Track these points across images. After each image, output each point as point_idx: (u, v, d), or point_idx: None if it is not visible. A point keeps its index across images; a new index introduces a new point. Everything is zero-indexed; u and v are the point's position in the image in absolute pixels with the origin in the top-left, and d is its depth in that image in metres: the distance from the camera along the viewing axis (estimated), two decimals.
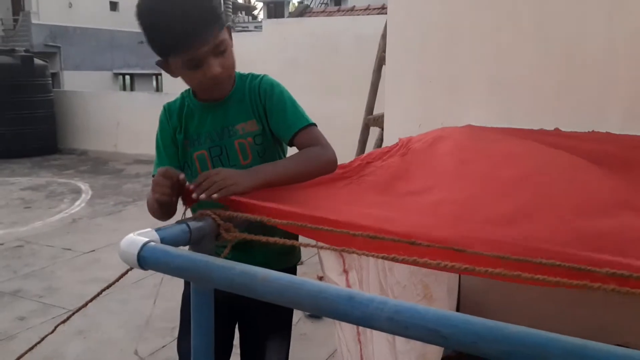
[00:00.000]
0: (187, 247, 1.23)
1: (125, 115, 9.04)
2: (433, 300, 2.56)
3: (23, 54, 9.54)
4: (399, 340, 1.98)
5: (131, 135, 8.85)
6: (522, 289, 2.97)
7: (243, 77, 1.68)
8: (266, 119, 1.58)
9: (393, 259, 1.13)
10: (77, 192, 6.60)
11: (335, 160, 1.55)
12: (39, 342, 1.48)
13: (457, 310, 3.16)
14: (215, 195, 1.25)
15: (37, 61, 9.66)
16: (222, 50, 1.46)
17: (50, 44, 22.78)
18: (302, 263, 1.90)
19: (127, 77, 25.53)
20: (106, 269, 3.86)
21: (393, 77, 3.69)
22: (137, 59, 23.80)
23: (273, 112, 1.58)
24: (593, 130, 2.79)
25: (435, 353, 2.59)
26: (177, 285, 1.56)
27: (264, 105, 1.58)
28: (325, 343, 3.01)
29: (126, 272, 1.25)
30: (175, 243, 1.14)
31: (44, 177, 7.78)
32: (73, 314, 1.43)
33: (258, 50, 6.83)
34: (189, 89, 1.68)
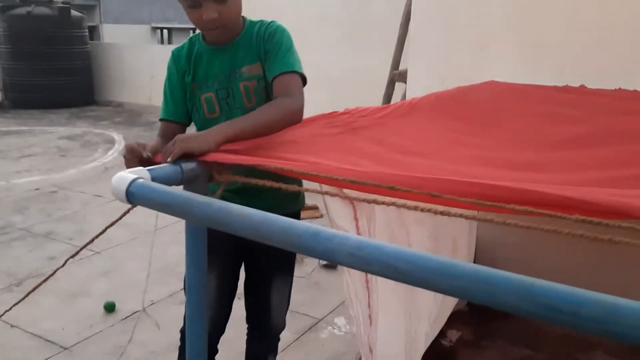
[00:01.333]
0: (181, 188, 1.29)
1: (160, 69, 9.09)
2: (458, 253, 2.64)
3: (60, 5, 9.70)
4: (405, 289, 2.05)
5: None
6: (541, 246, 2.99)
7: (253, 23, 1.70)
8: (258, 60, 1.61)
9: (374, 201, 1.17)
10: (111, 142, 6.79)
11: (301, 111, 1.54)
12: (51, 275, 1.58)
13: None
14: (176, 151, 1.23)
15: (74, 13, 9.81)
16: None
17: None
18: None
19: (165, 31, 25.64)
20: (133, 215, 4.00)
21: (418, 32, 3.63)
22: (175, 13, 23.74)
23: (268, 53, 1.60)
24: (620, 88, 2.74)
25: (447, 305, 2.65)
26: None
27: (265, 48, 1.60)
28: (338, 291, 3.09)
29: (127, 212, 1.33)
30: (167, 182, 1.19)
31: (80, 127, 8.01)
32: (80, 249, 1.52)
33: (286, 3, 6.75)
34: (199, 34, 1.71)
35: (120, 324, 2.67)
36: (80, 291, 3.03)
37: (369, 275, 1.79)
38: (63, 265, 1.52)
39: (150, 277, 3.22)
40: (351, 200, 1.63)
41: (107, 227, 1.42)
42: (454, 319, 3.20)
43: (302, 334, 2.59)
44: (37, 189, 4.74)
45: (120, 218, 1.43)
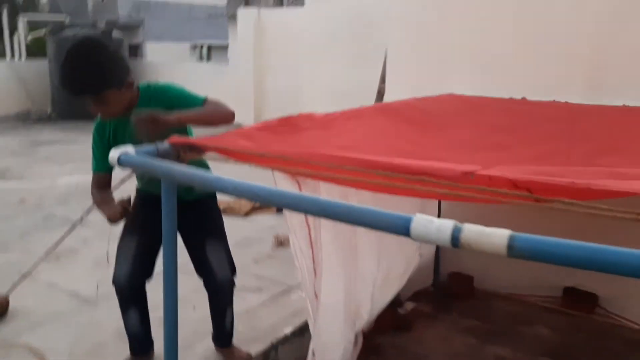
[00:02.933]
0: None
1: (190, 84, 9.92)
2: None
3: (103, 28, 10.69)
4: (345, 253, 2.59)
5: None
6: (492, 224, 3.46)
7: (145, 88, 2.31)
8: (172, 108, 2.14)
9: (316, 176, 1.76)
10: None
11: (233, 114, 2.21)
12: (64, 237, 2.23)
13: (437, 250, 3.71)
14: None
15: (115, 34, 10.77)
16: (105, 102, 2.11)
17: (134, 16, 24.13)
18: None
19: (205, 48, 26.63)
20: None
21: (394, 52, 4.22)
22: (214, 30, 24.67)
23: (175, 103, 2.18)
24: (554, 100, 3.26)
25: (397, 275, 3.11)
26: None
27: (167, 103, 2.17)
28: None
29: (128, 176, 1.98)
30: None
31: None
32: (82, 218, 2.17)
33: (302, 24, 7.43)
34: None
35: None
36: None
37: (313, 235, 2.35)
38: (70, 230, 2.18)
39: None
40: (297, 179, 2.22)
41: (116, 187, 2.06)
42: (419, 296, 3.73)
43: (276, 296, 3.17)
44: (77, 187, 5.50)
45: (120, 185, 2.07)
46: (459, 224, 1.11)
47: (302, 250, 2.34)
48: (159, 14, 24.81)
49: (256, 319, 2.89)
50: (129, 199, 2.18)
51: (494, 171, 1.52)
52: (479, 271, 3.85)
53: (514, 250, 1.05)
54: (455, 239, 1.10)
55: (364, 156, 1.68)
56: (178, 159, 1.89)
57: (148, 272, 2.41)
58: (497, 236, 1.06)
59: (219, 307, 2.54)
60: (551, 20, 3.44)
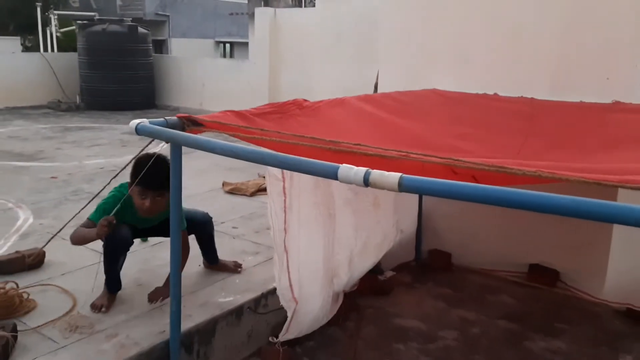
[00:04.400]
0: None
1: (210, 78, 10.56)
2: (380, 206, 3.60)
3: (130, 23, 11.32)
4: (325, 221, 3.04)
5: (213, 94, 10.34)
6: (473, 216, 3.89)
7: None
8: None
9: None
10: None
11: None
12: (87, 204, 2.73)
13: (419, 229, 4.16)
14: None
15: (140, 30, 11.39)
16: (162, 198, 2.75)
17: (161, 12, 24.73)
18: None
19: (227, 45, 27.17)
20: None
21: (386, 51, 4.67)
22: (237, 28, 25.09)
23: None
24: (522, 96, 3.68)
25: (375, 245, 3.53)
26: None
27: None
28: None
29: (148, 144, 2.47)
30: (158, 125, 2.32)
31: None
32: (99, 192, 2.66)
33: (313, 23, 7.92)
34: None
35: (150, 248, 3.81)
36: None
37: (287, 202, 2.79)
38: (84, 207, 2.69)
39: None
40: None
41: (128, 163, 2.57)
42: (401, 268, 4.18)
43: (269, 259, 3.59)
44: (101, 168, 6.06)
45: (147, 146, 2.54)
46: (369, 170, 1.58)
47: (277, 214, 2.77)
48: (184, 10, 25.31)
49: (252, 275, 3.39)
50: (113, 217, 2.72)
51: (428, 158, 1.91)
52: (457, 249, 4.29)
53: (402, 186, 1.51)
54: (366, 179, 1.57)
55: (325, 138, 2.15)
56: (183, 129, 2.40)
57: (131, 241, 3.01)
58: (392, 177, 1.52)
59: (206, 236, 3.35)
60: (521, 24, 3.86)
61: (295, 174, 2.77)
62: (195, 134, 2.36)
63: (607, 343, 3.27)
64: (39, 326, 2.70)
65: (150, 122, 2.29)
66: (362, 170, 1.58)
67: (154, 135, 2.23)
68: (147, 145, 2.59)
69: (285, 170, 2.74)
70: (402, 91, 3.87)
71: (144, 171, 2.71)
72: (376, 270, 3.86)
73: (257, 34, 9.43)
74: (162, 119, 2.33)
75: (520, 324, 3.45)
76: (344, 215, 3.20)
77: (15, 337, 2.55)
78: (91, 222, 2.88)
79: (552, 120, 3.43)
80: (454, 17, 4.15)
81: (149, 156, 2.77)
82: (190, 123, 2.38)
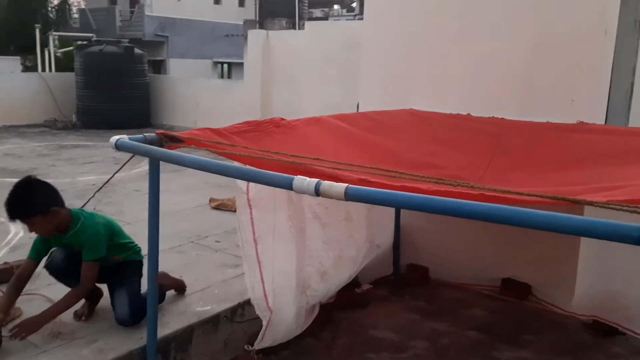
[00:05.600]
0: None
1: (204, 97, 10.79)
2: (352, 221, 3.74)
3: (126, 44, 11.59)
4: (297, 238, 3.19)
5: (207, 113, 10.53)
6: (450, 232, 4.04)
7: (75, 216, 2.93)
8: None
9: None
10: None
11: (83, 292, 2.92)
12: (87, 201, 2.88)
13: (397, 244, 4.29)
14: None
15: (137, 50, 11.64)
16: (31, 225, 2.78)
17: (160, 33, 25.08)
18: None
19: (225, 66, 27.48)
20: (160, 204, 5.37)
21: (365, 73, 4.87)
22: (235, 49, 25.42)
23: (83, 246, 2.89)
24: (493, 116, 3.86)
25: (349, 259, 3.67)
26: None
27: (80, 239, 2.89)
28: None
29: (129, 160, 2.63)
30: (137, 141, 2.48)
31: None
32: (101, 187, 2.82)
33: (302, 45, 8.17)
34: None
35: None
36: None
37: (254, 215, 2.92)
38: (94, 195, 2.84)
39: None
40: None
41: (115, 172, 2.73)
42: (378, 282, 4.31)
43: None
44: (93, 184, 6.22)
45: (123, 166, 2.71)
46: (320, 181, 1.73)
47: (244, 225, 2.90)
48: (183, 32, 25.66)
49: (230, 287, 3.53)
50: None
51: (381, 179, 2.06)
52: (434, 263, 4.42)
53: (348, 195, 1.66)
54: (317, 189, 1.72)
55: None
56: (161, 145, 2.55)
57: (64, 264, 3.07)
58: (339, 187, 1.68)
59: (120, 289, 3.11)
60: (492, 49, 4.06)
61: (269, 188, 2.92)
62: (173, 149, 2.52)
63: (571, 353, 3.40)
64: None
65: (129, 138, 2.45)
66: (313, 181, 1.74)
67: (132, 151, 2.39)
68: (128, 161, 2.75)
69: (250, 184, 2.90)
70: (378, 111, 4.05)
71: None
72: (353, 283, 4.00)
73: (250, 55, 9.69)
74: (141, 135, 2.49)
75: (489, 335, 3.58)
76: (313, 229, 3.35)
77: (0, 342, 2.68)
78: (27, 261, 2.96)
79: (520, 140, 3.61)
80: (430, 42, 4.36)
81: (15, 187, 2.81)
82: (168, 139, 2.54)
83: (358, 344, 3.48)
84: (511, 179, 3.10)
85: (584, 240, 3.69)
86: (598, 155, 3.23)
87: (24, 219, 2.78)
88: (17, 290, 2.85)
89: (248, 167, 1.91)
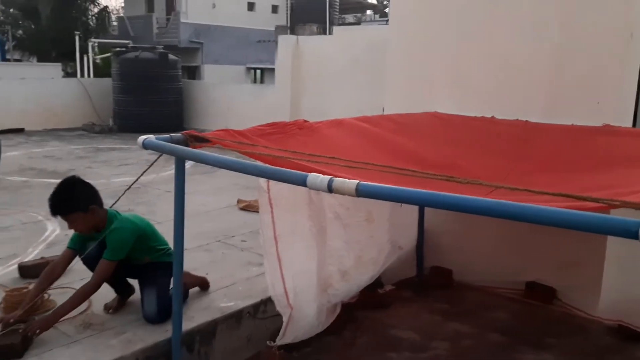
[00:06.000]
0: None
1: (235, 102, 11.00)
2: (373, 222, 3.80)
3: (161, 50, 11.90)
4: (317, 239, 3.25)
5: (238, 117, 10.69)
6: (474, 235, 4.06)
7: (109, 218, 3.10)
8: None
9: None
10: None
11: (96, 286, 2.97)
12: (119, 198, 3.01)
13: (421, 246, 4.31)
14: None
15: (171, 56, 11.95)
16: (71, 222, 2.91)
17: (194, 40, 25.61)
18: None
19: (258, 71, 27.82)
20: (190, 204, 5.53)
21: (391, 77, 4.91)
22: (267, 55, 25.71)
23: (107, 244, 2.99)
24: (517, 119, 3.86)
25: (370, 260, 3.72)
26: None
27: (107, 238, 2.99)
28: None
29: (156, 159, 2.75)
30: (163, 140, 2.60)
31: None
32: (130, 185, 2.95)
33: (330, 50, 8.26)
34: None
35: None
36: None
37: (274, 212, 3.01)
38: (122, 194, 2.97)
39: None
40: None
41: (143, 172, 2.85)
42: (402, 283, 4.34)
43: None
44: (126, 186, 6.41)
45: (151, 165, 2.83)
46: (333, 178, 1.80)
47: (265, 223, 2.99)
48: (217, 38, 26.10)
49: (254, 284, 3.62)
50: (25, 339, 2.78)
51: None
52: (457, 266, 4.43)
53: (359, 192, 1.72)
54: (330, 186, 1.79)
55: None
56: (186, 144, 2.66)
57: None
58: (351, 183, 1.74)
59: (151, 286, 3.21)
60: (517, 51, 4.06)
61: (290, 188, 2.98)
62: (198, 149, 2.63)
63: (596, 357, 3.37)
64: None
65: (156, 138, 2.57)
66: (326, 178, 1.80)
67: (158, 149, 2.50)
68: (155, 160, 2.86)
69: (271, 184, 2.97)
70: (401, 113, 4.09)
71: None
72: (376, 284, 4.04)
73: (280, 60, 9.84)
74: (167, 135, 2.61)
75: (512, 337, 3.57)
76: (334, 229, 3.41)
77: None
78: (66, 251, 3.12)
79: (544, 142, 3.60)
80: (454, 45, 4.37)
81: (59, 184, 2.99)
82: (193, 139, 2.65)
83: (379, 342, 3.52)
84: (535, 182, 3.09)
85: (610, 244, 3.65)
86: (624, 157, 3.19)
87: (64, 215, 2.93)
88: (49, 278, 3.00)
89: (265, 165, 2.00)
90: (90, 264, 3.19)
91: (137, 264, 3.17)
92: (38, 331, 2.79)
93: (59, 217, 2.99)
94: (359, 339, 3.56)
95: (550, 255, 3.97)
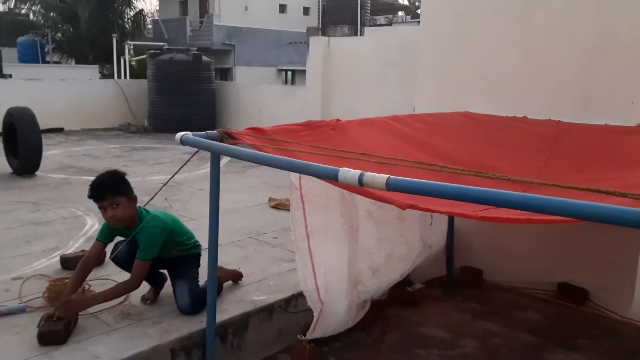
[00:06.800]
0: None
1: (266, 103, 11.13)
2: (404, 221, 3.82)
3: (195, 52, 12.13)
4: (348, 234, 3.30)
5: (270, 118, 10.82)
6: (505, 235, 4.06)
7: (139, 215, 3.17)
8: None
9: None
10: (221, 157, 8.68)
11: (135, 285, 3.08)
12: (155, 194, 3.12)
13: (451, 246, 4.33)
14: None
15: (204, 58, 12.16)
16: (114, 206, 2.97)
17: (227, 42, 25.97)
18: None
19: (289, 73, 28.04)
20: (222, 201, 5.65)
21: (422, 76, 4.93)
22: (298, 56, 25.87)
23: (139, 242, 3.07)
24: (549, 119, 3.85)
25: (401, 257, 3.76)
26: None
27: (139, 236, 3.07)
28: None
29: (193, 155, 2.85)
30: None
31: None
32: (165, 184, 3.05)
33: (362, 51, 8.30)
34: None
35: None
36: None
37: (305, 208, 3.06)
38: (158, 192, 3.08)
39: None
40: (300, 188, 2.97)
41: (182, 166, 2.95)
42: (431, 282, 4.35)
43: None
44: (161, 183, 6.59)
45: (189, 160, 2.92)
46: (363, 173, 1.85)
47: (297, 219, 3.04)
48: (249, 40, 26.43)
49: (285, 279, 3.70)
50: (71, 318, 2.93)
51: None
52: (488, 266, 4.42)
53: (388, 185, 1.77)
54: (360, 180, 1.84)
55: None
56: (221, 141, 2.74)
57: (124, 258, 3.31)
58: (381, 177, 1.79)
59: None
60: (549, 49, 4.03)
61: (321, 185, 3.05)
62: (232, 145, 2.71)
63: (626, 359, 3.32)
64: (96, 312, 3.11)
65: (192, 134, 2.67)
66: (357, 172, 1.86)
67: (195, 145, 2.60)
68: (193, 155, 2.96)
69: (302, 180, 3.02)
70: (432, 113, 4.11)
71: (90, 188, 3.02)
72: (406, 282, 4.07)
73: (311, 61, 9.93)
74: (203, 132, 2.71)
75: (542, 337, 3.56)
76: (366, 227, 3.45)
77: (76, 319, 2.96)
78: (96, 244, 3.22)
79: (577, 143, 3.58)
80: (486, 45, 4.37)
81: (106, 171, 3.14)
82: (228, 136, 2.75)
83: (408, 340, 3.55)
84: (567, 182, 3.08)
85: None
86: None
87: (114, 195, 2.99)
88: (84, 272, 3.11)
89: (295, 159, 2.06)
90: (119, 263, 3.33)
91: (166, 258, 3.27)
92: (72, 310, 2.91)
93: (91, 214, 3.08)
94: (387, 335, 3.60)
95: (583, 256, 3.93)
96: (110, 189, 3.00)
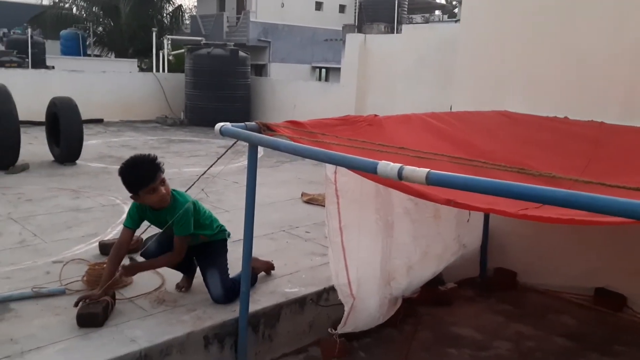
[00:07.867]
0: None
1: (301, 99, 11.18)
2: (440, 219, 3.79)
3: (232, 47, 12.25)
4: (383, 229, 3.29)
5: (304, 114, 10.85)
6: (541, 237, 3.98)
7: (172, 197, 3.16)
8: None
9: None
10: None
11: (177, 259, 3.18)
12: (191, 185, 3.17)
13: (485, 247, 4.27)
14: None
15: (241, 53, 12.26)
16: (158, 184, 3.00)
17: (263, 39, 26.17)
18: None
19: (324, 70, 28.10)
20: (256, 195, 5.71)
21: (460, 74, 4.88)
22: (333, 54, 25.91)
23: (175, 222, 3.08)
24: (592, 120, 3.76)
25: (435, 256, 3.73)
26: None
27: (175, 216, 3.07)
28: None
29: (231, 146, 2.89)
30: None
31: None
32: (200, 176, 3.09)
33: (398, 49, 8.25)
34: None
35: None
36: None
37: (340, 202, 3.05)
38: (194, 183, 3.12)
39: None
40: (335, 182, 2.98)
41: (220, 157, 2.98)
42: (465, 282, 4.30)
43: None
44: (196, 175, 6.70)
45: (227, 150, 2.96)
46: (403, 166, 1.84)
47: (331, 213, 3.02)
48: (285, 37, 26.58)
49: (317, 273, 3.71)
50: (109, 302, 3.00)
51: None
52: (522, 268, 4.34)
53: (429, 180, 1.76)
54: (400, 174, 1.84)
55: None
56: (260, 132, 2.77)
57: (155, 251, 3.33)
58: (421, 171, 1.78)
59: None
60: (593, 49, 3.92)
61: (356, 180, 3.04)
62: (270, 136, 2.74)
63: None
64: (132, 297, 3.18)
65: (232, 125, 2.71)
66: (397, 165, 1.85)
67: (234, 136, 2.64)
68: (231, 146, 2.99)
69: (337, 174, 3.01)
70: (470, 111, 4.06)
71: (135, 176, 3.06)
72: (438, 281, 4.03)
73: (347, 58, 9.91)
74: (242, 124, 2.74)
75: (578, 343, 3.48)
76: (402, 223, 3.43)
77: (113, 303, 3.03)
78: (125, 230, 3.21)
79: (620, 145, 3.48)
80: (527, 42, 4.29)
81: (127, 164, 3.11)
82: (266, 128, 2.77)
83: (439, 338, 3.52)
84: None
85: None
86: None
87: (157, 172, 3.04)
88: (118, 259, 3.12)
89: (333, 152, 2.07)
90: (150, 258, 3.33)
91: (194, 244, 3.26)
92: (128, 273, 3.15)
93: (129, 202, 3.14)
94: (418, 333, 3.57)
95: (622, 261, 3.83)
96: (155, 169, 3.03)
